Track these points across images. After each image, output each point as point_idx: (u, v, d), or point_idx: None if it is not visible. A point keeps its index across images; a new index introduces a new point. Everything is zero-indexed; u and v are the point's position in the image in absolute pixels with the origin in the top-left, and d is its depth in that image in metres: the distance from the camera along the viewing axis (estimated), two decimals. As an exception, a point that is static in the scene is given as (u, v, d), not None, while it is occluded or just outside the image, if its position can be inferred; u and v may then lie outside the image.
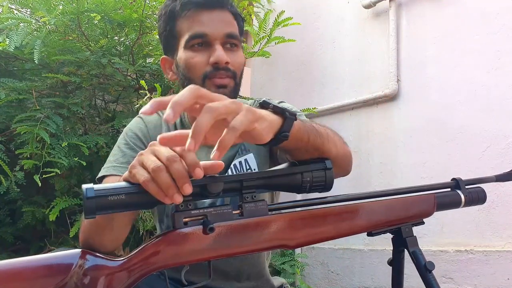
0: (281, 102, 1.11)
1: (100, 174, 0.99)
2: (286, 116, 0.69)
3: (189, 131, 0.60)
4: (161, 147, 0.65)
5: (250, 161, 1.05)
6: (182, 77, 1.02)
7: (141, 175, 0.63)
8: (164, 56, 1.09)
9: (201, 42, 0.99)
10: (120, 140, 1.05)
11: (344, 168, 0.89)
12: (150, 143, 0.68)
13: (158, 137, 0.65)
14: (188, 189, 0.62)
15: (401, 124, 2.26)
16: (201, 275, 0.72)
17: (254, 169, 1.05)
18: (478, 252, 1.86)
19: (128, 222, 0.86)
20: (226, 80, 0.99)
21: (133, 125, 1.08)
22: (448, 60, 2.08)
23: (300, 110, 1.10)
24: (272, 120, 0.68)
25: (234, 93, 1.01)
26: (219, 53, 0.97)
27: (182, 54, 1.01)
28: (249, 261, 1.06)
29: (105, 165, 1.01)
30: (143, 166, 0.64)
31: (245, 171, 1.04)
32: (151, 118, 1.08)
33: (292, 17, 2.12)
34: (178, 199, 0.62)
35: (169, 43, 1.05)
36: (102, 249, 0.81)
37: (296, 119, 0.70)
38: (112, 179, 0.96)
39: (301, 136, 0.73)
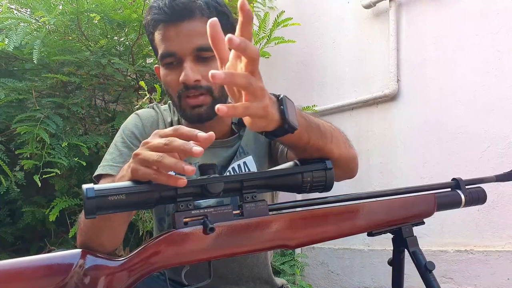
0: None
1: (96, 172, 0.99)
2: (284, 126, 0.67)
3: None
4: (152, 139, 0.67)
5: (249, 164, 1.05)
6: (166, 92, 1.03)
7: (150, 173, 0.66)
8: (156, 65, 1.08)
9: (172, 61, 0.96)
10: (117, 138, 1.05)
11: (347, 170, 0.88)
12: (143, 141, 0.69)
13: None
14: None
15: (401, 124, 2.26)
16: (201, 276, 0.72)
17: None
18: (478, 252, 1.86)
19: (126, 220, 0.86)
20: (200, 98, 0.95)
21: (130, 122, 1.07)
22: (448, 60, 2.08)
23: (301, 108, 1.09)
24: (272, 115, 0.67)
25: (212, 109, 0.96)
26: (186, 73, 0.93)
27: (161, 70, 1.00)
28: (248, 263, 1.05)
29: (102, 163, 1.01)
30: (146, 164, 0.66)
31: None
32: (147, 115, 1.08)
33: (292, 18, 2.12)
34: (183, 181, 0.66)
35: (155, 54, 1.04)
36: (101, 249, 0.81)
37: (296, 128, 0.69)
38: (109, 179, 0.96)
39: (301, 135, 0.73)
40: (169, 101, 1.16)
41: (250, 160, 1.05)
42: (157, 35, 0.97)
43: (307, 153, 0.77)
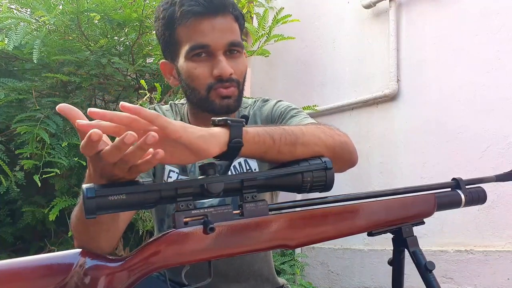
0: (279, 101, 1.11)
1: None
2: (231, 125, 0.70)
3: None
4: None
5: (250, 161, 1.05)
6: (185, 86, 1.01)
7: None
8: (164, 60, 1.06)
9: (201, 52, 0.96)
10: None
11: (343, 158, 0.86)
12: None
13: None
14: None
15: (401, 124, 2.26)
16: (201, 276, 0.72)
17: (255, 169, 1.05)
18: (478, 252, 1.86)
19: (124, 219, 0.86)
20: (230, 90, 0.97)
21: None
22: (448, 60, 2.08)
23: (301, 108, 1.10)
24: (215, 132, 0.69)
25: (238, 102, 1.00)
26: (223, 66, 0.95)
27: (183, 63, 0.98)
28: (247, 260, 1.06)
29: None
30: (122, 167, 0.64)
31: (245, 171, 1.04)
32: None
33: (291, 14, 2.12)
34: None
35: (168, 48, 1.02)
36: (100, 251, 0.81)
37: (244, 125, 0.71)
38: None
39: (263, 139, 0.74)
40: (171, 102, 1.16)
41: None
42: (184, 28, 0.96)
43: (283, 155, 0.77)
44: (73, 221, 0.83)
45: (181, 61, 0.98)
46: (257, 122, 1.08)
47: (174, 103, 1.14)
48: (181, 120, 1.09)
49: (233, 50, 0.98)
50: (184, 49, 0.97)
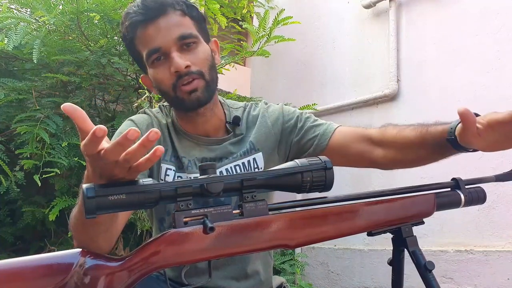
0: (278, 104, 1.15)
1: None
2: None
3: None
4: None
5: (258, 160, 1.07)
6: (159, 92, 1.05)
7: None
8: (143, 75, 1.11)
9: (158, 56, 0.99)
10: None
11: None
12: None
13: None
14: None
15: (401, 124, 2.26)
16: (200, 275, 0.72)
17: (261, 168, 1.06)
18: (478, 252, 1.86)
19: (124, 219, 0.86)
20: (194, 83, 0.99)
21: (125, 129, 1.07)
22: (448, 60, 2.08)
23: (299, 109, 1.12)
24: None
25: (207, 92, 1.01)
26: (176, 61, 0.97)
27: (150, 71, 1.03)
28: (247, 259, 1.06)
29: None
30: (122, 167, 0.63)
31: (253, 170, 1.05)
32: (141, 119, 1.08)
33: (292, 16, 2.12)
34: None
35: (139, 64, 1.08)
36: (99, 251, 0.81)
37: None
38: None
39: None
40: (159, 104, 1.17)
41: (259, 157, 1.07)
42: (137, 41, 1.01)
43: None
44: (71, 222, 0.83)
45: (149, 69, 1.03)
46: (267, 123, 1.11)
47: (163, 105, 1.16)
48: (171, 121, 1.10)
49: (187, 43, 1.00)
50: (144, 58, 1.01)
